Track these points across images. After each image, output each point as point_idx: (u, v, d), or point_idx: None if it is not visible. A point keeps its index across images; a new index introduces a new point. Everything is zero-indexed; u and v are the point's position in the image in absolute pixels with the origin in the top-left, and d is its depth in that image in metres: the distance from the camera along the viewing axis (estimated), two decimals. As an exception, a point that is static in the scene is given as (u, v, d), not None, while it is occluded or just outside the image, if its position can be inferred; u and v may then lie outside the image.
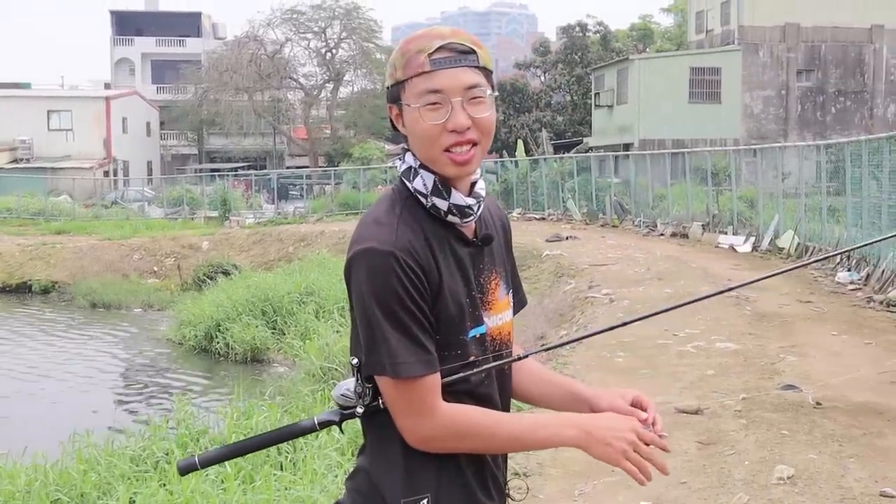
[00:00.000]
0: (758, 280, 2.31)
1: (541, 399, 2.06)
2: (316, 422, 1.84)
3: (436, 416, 1.74)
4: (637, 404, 1.94)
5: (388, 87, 1.83)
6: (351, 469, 1.89)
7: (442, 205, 1.80)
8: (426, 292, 1.73)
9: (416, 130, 1.79)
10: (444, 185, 1.80)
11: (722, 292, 2.25)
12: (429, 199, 1.80)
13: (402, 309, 1.70)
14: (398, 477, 1.77)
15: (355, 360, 1.77)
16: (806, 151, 18.31)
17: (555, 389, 2.05)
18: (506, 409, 1.92)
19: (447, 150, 1.77)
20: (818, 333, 9.30)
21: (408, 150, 1.85)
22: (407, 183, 1.82)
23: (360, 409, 1.77)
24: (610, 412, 1.87)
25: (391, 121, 1.86)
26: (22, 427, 11.11)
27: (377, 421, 1.79)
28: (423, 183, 1.80)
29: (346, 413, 1.81)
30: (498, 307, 1.89)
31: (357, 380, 1.77)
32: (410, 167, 1.82)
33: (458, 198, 1.80)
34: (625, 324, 2.08)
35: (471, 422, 1.77)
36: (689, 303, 2.15)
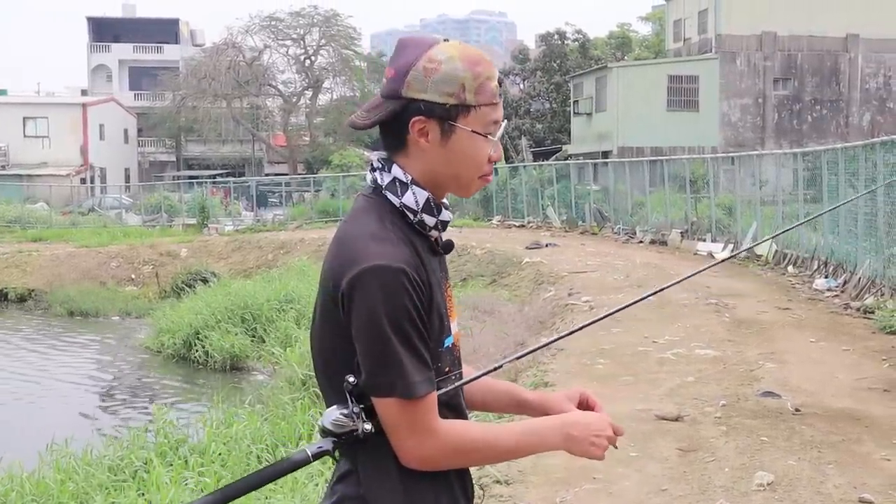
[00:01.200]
0: (689, 277, 2.33)
1: (484, 406, 2.07)
2: (309, 454, 1.72)
3: (438, 434, 1.72)
4: (584, 402, 1.97)
5: (435, 103, 1.73)
6: (332, 499, 1.78)
7: (430, 221, 1.78)
8: (424, 307, 1.71)
9: (467, 154, 1.78)
10: (435, 204, 1.79)
11: (659, 290, 2.23)
12: (417, 216, 1.77)
13: (412, 326, 1.68)
14: (399, 500, 1.74)
15: (352, 379, 1.69)
16: (783, 159, 18.46)
17: (499, 396, 2.05)
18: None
19: (480, 177, 1.83)
20: (796, 340, 9.36)
21: (392, 162, 1.79)
22: (392, 196, 1.77)
23: (368, 428, 1.69)
24: (582, 412, 1.90)
25: (390, 130, 1.78)
26: (-2, 436, 11.00)
27: (371, 444, 1.72)
28: (414, 199, 1.77)
29: (341, 439, 1.72)
30: (454, 313, 1.89)
31: (350, 402, 1.71)
32: (400, 181, 1.77)
33: (447, 215, 1.81)
34: (582, 327, 2.06)
35: (470, 438, 1.76)
36: (642, 299, 2.14)
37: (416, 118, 1.74)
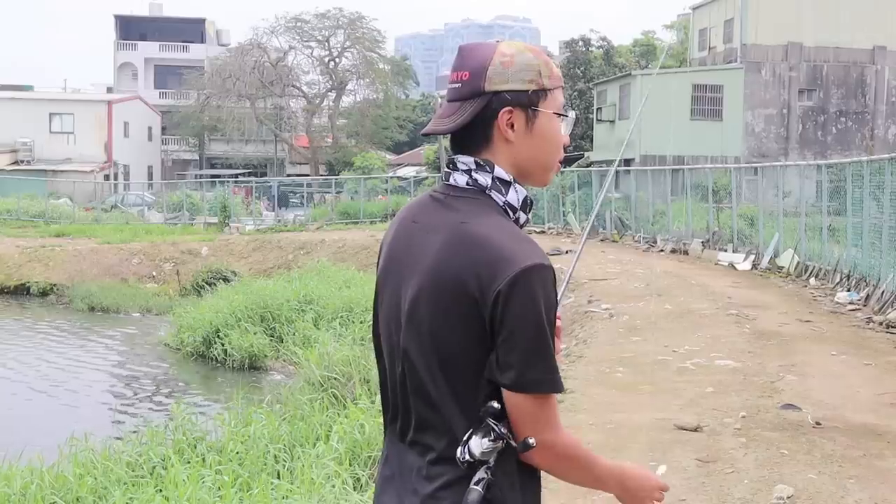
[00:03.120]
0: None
1: None
2: (481, 490, 1.70)
3: (563, 435, 1.77)
4: None
5: (516, 91, 1.79)
6: None
7: (523, 218, 1.86)
8: None
9: (551, 137, 1.85)
10: (530, 201, 1.86)
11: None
12: (517, 213, 1.83)
13: (550, 323, 1.73)
14: None
15: (497, 405, 1.69)
16: (807, 171, 18.35)
17: None
18: None
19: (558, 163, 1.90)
20: (818, 353, 9.30)
21: (490, 162, 1.82)
22: (497, 196, 1.81)
23: (532, 441, 1.70)
24: (640, 470, 1.95)
25: (474, 129, 1.80)
26: (18, 429, 11.08)
27: (505, 455, 1.73)
28: (517, 197, 1.83)
29: (489, 461, 1.71)
30: None
31: (494, 425, 1.69)
32: (503, 180, 1.82)
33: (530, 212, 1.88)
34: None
35: (582, 449, 1.82)
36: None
37: (505, 108, 1.79)
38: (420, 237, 1.80)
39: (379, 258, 1.95)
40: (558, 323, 1.91)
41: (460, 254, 1.72)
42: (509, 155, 1.81)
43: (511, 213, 1.82)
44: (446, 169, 1.86)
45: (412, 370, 1.79)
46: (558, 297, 1.78)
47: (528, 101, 1.80)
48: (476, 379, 1.73)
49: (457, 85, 1.81)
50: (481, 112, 1.78)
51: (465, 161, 1.82)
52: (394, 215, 2.02)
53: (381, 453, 2.00)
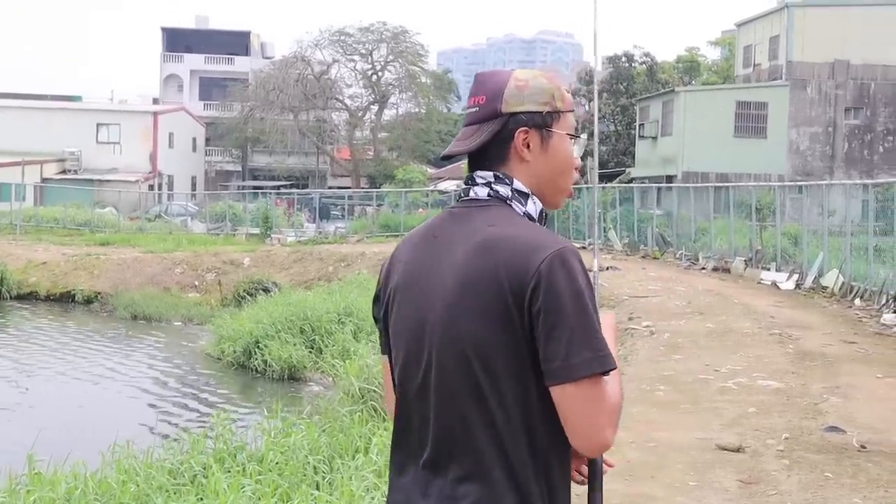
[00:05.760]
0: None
1: None
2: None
3: (617, 420, 1.84)
4: None
5: (531, 112, 1.89)
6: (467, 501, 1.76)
7: None
8: None
9: (565, 159, 1.94)
10: (545, 213, 1.95)
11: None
12: (535, 223, 1.91)
13: (593, 302, 1.77)
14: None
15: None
16: (853, 190, 18.14)
17: None
18: None
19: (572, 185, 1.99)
20: (862, 375, 9.16)
21: (508, 175, 1.90)
22: (518, 206, 1.89)
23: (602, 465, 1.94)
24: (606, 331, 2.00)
25: (492, 150, 1.89)
26: (61, 435, 11.22)
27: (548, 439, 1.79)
28: (535, 208, 1.91)
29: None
30: None
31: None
32: (521, 192, 1.90)
33: None
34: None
35: (621, 396, 1.87)
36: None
37: (521, 129, 1.89)
38: (443, 250, 1.84)
39: (386, 276, 1.97)
40: (610, 320, 1.97)
41: (491, 255, 1.76)
42: (525, 174, 1.90)
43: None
44: (465, 185, 1.94)
45: (443, 382, 1.79)
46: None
47: (543, 122, 1.90)
48: (513, 394, 1.74)
49: (474, 109, 1.91)
50: (499, 132, 1.88)
51: (484, 175, 1.91)
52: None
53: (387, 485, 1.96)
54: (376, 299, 2.01)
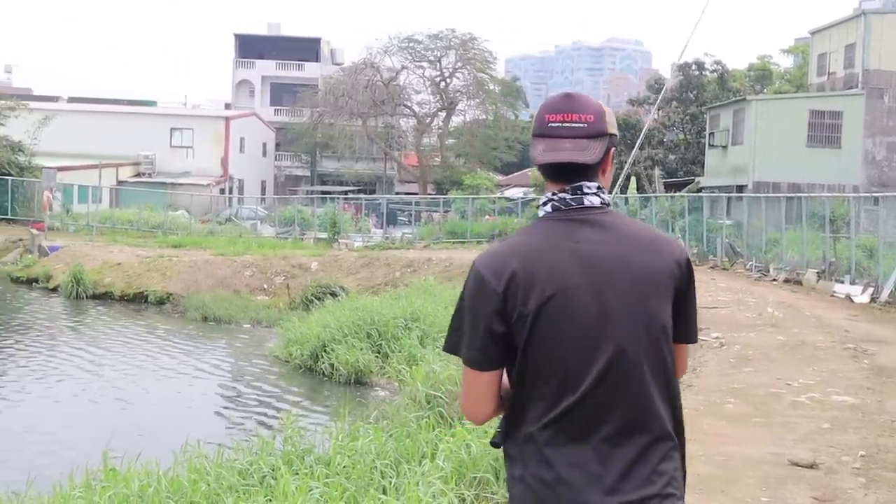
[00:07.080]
0: None
1: None
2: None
3: None
4: None
5: (614, 134, 2.28)
6: (667, 479, 2.13)
7: None
8: None
9: (611, 174, 2.33)
10: None
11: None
12: None
13: None
14: None
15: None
16: (932, 202, 17.65)
17: None
18: None
19: None
20: (941, 392, 8.92)
21: (602, 186, 2.26)
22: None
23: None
24: None
25: (595, 162, 2.22)
26: (134, 433, 11.46)
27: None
28: None
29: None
30: None
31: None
32: (608, 202, 2.26)
33: None
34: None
35: None
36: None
37: (614, 148, 2.29)
38: (595, 251, 2.15)
39: (525, 291, 2.12)
40: None
41: (661, 251, 2.19)
42: (603, 184, 2.27)
43: None
44: (573, 194, 2.21)
45: (631, 367, 2.12)
46: None
47: (615, 143, 2.30)
48: (672, 360, 2.21)
49: (582, 125, 2.18)
50: (607, 148, 2.23)
51: (591, 186, 2.22)
52: (500, 235, 2.30)
53: (519, 463, 2.18)
54: (499, 315, 2.14)
